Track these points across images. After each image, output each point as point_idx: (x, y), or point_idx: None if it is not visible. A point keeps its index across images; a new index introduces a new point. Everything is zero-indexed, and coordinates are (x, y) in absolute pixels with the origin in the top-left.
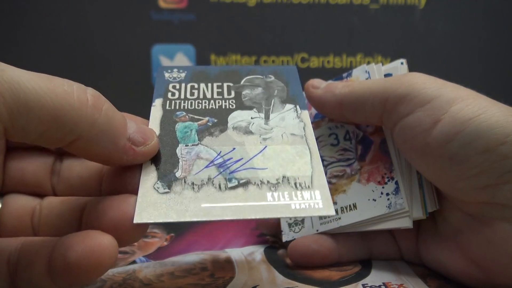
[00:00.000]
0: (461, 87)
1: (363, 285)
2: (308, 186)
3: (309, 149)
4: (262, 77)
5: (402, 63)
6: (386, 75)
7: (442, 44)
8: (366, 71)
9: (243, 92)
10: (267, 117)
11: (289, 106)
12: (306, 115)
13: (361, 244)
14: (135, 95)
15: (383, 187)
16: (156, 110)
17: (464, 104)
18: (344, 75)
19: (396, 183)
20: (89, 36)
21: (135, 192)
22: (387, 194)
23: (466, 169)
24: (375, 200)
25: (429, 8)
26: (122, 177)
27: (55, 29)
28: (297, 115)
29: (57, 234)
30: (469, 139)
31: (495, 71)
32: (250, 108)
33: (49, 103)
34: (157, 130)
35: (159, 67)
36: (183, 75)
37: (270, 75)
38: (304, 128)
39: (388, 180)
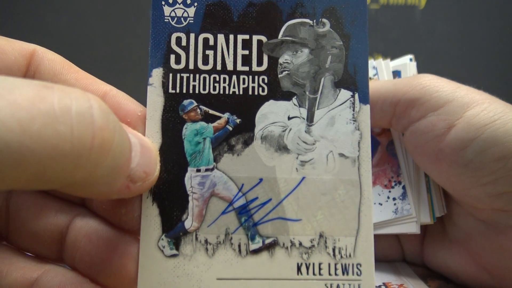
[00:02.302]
0: (475, 90)
1: None
2: (350, 255)
3: (360, 186)
4: (311, 22)
5: (410, 60)
6: (394, 72)
7: (442, 44)
8: (373, 67)
9: (281, 60)
10: (310, 118)
11: (344, 94)
12: (366, 114)
13: None
14: (135, 95)
15: (389, 191)
16: (155, 94)
17: (480, 109)
18: None
19: (404, 187)
20: (89, 36)
21: (133, 231)
22: (394, 199)
23: (481, 176)
24: (381, 204)
25: (429, 8)
26: (116, 210)
27: (55, 29)
28: (353, 115)
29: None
30: (484, 146)
31: (495, 70)
32: (288, 96)
33: (29, 160)
34: (157, 137)
35: None
36: (192, 12)
37: (324, 20)
38: (359, 143)
39: (395, 184)
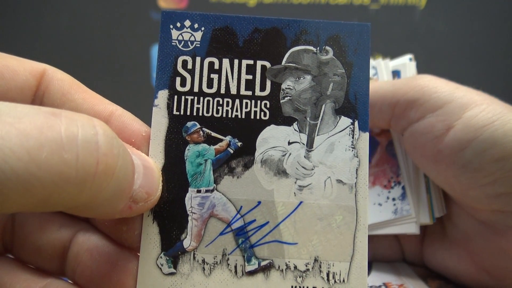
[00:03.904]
0: (474, 91)
1: None
2: (343, 280)
3: (357, 213)
4: (315, 50)
5: (410, 59)
6: (394, 72)
7: (442, 44)
8: (373, 67)
9: (284, 86)
10: (310, 144)
11: (344, 121)
12: (365, 142)
13: None
14: (135, 95)
15: (389, 192)
16: (160, 115)
17: (478, 110)
18: None
19: (403, 188)
20: (89, 36)
21: (134, 248)
22: (393, 199)
23: (480, 177)
24: (380, 205)
25: (429, 8)
26: (118, 227)
27: (55, 29)
28: (352, 142)
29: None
30: (483, 147)
31: (495, 71)
32: (289, 121)
33: (35, 187)
34: (160, 157)
35: (162, 12)
36: (198, 36)
37: (327, 48)
38: (357, 170)
39: (395, 185)
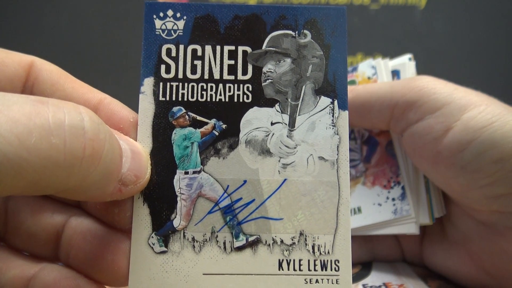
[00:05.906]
0: (473, 92)
1: (363, 285)
2: (328, 252)
3: (339, 188)
4: (293, 34)
5: (409, 59)
6: (393, 72)
7: (442, 44)
8: (372, 67)
9: (265, 69)
10: (292, 124)
11: (324, 100)
12: (344, 120)
13: (365, 248)
14: (134, 95)
15: (389, 192)
16: (146, 101)
17: (477, 111)
18: (349, 69)
19: (403, 188)
20: (88, 35)
21: (125, 230)
22: (393, 199)
23: (479, 178)
24: (380, 205)
25: (429, 8)
26: (109, 209)
27: (55, 29)
28: (332, 120)
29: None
30: (482, 148)
31: (495, 71)
32: (271, 103)
33: (26, 170)
34: (148, 141)
35: (146, 3)
36: (181, 25)
37: (306, 31)
38: (338, 147)
39: (395, 185)
